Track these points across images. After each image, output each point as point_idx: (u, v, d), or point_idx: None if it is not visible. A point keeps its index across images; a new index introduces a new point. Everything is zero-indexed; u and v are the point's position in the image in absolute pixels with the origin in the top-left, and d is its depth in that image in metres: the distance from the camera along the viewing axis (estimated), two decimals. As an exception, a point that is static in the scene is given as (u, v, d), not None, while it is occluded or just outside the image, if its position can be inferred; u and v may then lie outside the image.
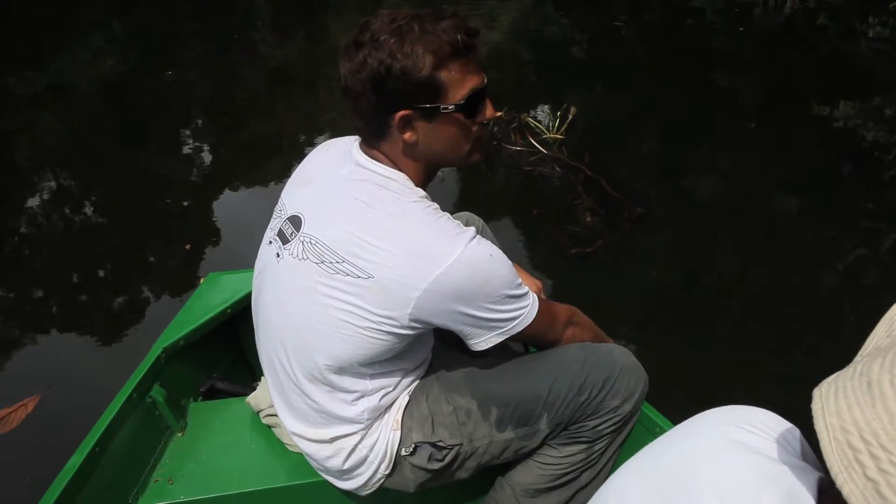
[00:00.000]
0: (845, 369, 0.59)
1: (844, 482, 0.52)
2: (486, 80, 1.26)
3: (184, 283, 3.05)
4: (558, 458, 1.45)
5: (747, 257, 3.38)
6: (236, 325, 1.92)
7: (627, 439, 1.47)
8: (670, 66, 6.52)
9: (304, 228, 1.28)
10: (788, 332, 2.82)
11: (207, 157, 4.82)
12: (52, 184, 4.39)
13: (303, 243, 1.26)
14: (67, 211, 4.05)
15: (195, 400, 1.76)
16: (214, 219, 3.88)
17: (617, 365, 1.41)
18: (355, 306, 1.20)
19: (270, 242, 1.36)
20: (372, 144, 1.28)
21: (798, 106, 5.42)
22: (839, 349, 2.70)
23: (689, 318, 2.96)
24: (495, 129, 4.49)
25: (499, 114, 4.50)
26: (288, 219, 1.33)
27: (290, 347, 1.32)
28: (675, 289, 3.19)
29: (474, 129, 1.28)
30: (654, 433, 1.50)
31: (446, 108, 1.20)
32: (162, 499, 1.48)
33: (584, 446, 1.44)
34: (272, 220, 1.41)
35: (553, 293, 3.10)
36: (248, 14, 9.16)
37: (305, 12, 9.25)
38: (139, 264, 3.44)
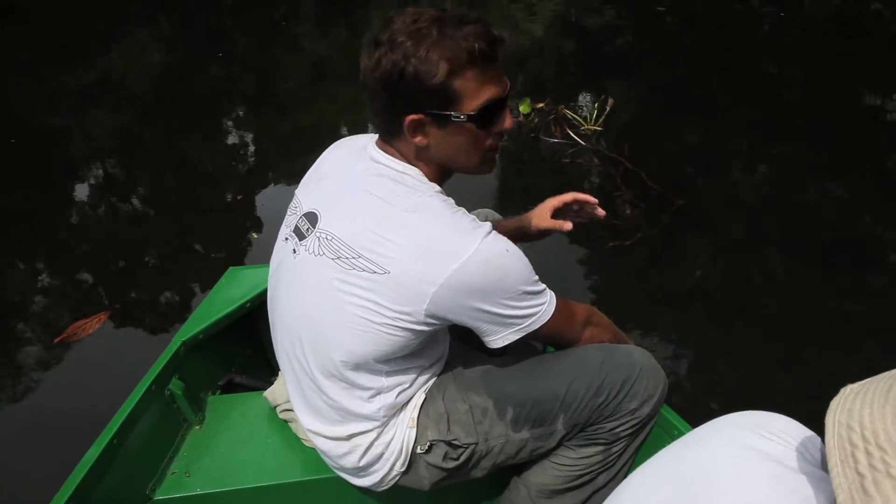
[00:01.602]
0: (884, 374, 0.60)
1: (837, 475, 0.54)
2: (507, 90, 1.24)
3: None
4: (575, 459, 1.43)
5: (790, 255, 3.27)
6: (255, 319, 1.93)
7: (645, 442, 1.43)
8: (715, 55, 6.36)
9: (321, 224, 1.27)
10: (827, 337, 2.70)
11: (251, 150, 4.89)
12: (101, 175, 4.49)
13: (319, 239, 1.25)
14: (116, 201, 4.14)
15: (213, 393, 1.77)
16: (253, 210, 3.92)
17: (636, 366, 1.38)
18: (371, 302, 1.19)
19: (286, 239, 1.36)
20: (387, 141, 1.28)
21: (849, 96, 5.23)
22: (882, 357, 2.60)
23: (722, 317, 2.88)
24: (535, 121, 4.43)
25: (541, 107, 4.45)
26: (304, 215, 1.33)
27: (307, 343, 1.32)
28: (712, 285, 3.11)
29: (488, 141, 1.26)
30: (672, 436, 1.46)
31: (458, 118, 1.18)
32: (179, 491, 1.49)
33: (601, 448, 1.41)
34: (287, 216, 1.41)
35: (591, 285, 3.06)
36: (290, 7, 9.23)
37: (347, 5, 9.28)
38: (176, 254, 3.50)
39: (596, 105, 4.35)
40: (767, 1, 8.18)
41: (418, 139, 1.21)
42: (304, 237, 1.29)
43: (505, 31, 1.24)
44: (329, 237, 1.24)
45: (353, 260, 1.19)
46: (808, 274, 3.10)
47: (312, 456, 1.54)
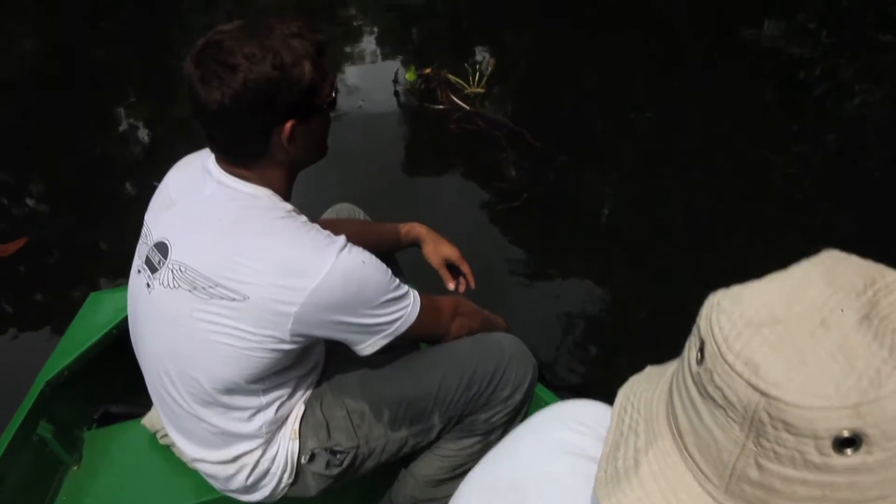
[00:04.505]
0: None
1: (609, 434, 0.62)
2: None
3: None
4: (456, 450, 1.49)
5: (684, 197, 3.33)
6: (128, 342, 1.86)
7: None
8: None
9: (172, 255, 1.25)
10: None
11: (144, 137, 4.58)
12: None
13: (172, 271, 1.23)
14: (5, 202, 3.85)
15: (89, 429, 1.71)
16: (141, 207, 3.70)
17: (505, 355, 1.43)
18: (234, 328, 1.19)
19: (139, 272, 1.33)
20: (240, 164, 1.24)
21: (728, 29, 5.34)
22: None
23: (613, 270, 2.95)
24: (422, 87, 4.37)
25: (428, 72, 4.40)
26: (154, 246, 1.29)
27: (175, 376, 1.30)
28: (601, 238, 3.17)
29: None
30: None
31: (321, 107, 1.22)
32: None
33: (479, 438, 1.47)
34: (138, 245, 1.37)
35: (485, 251, 3.05)
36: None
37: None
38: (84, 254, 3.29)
39: (478, 66, 4.32)
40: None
41: (291, 145, 1.21)
42: (157, 269, 1.26)
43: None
44: (183, 268, 1.22)
45: (210, 289, 1.18)
46: (701, 218, 3.17)
47: (198, 478, 1.51)
